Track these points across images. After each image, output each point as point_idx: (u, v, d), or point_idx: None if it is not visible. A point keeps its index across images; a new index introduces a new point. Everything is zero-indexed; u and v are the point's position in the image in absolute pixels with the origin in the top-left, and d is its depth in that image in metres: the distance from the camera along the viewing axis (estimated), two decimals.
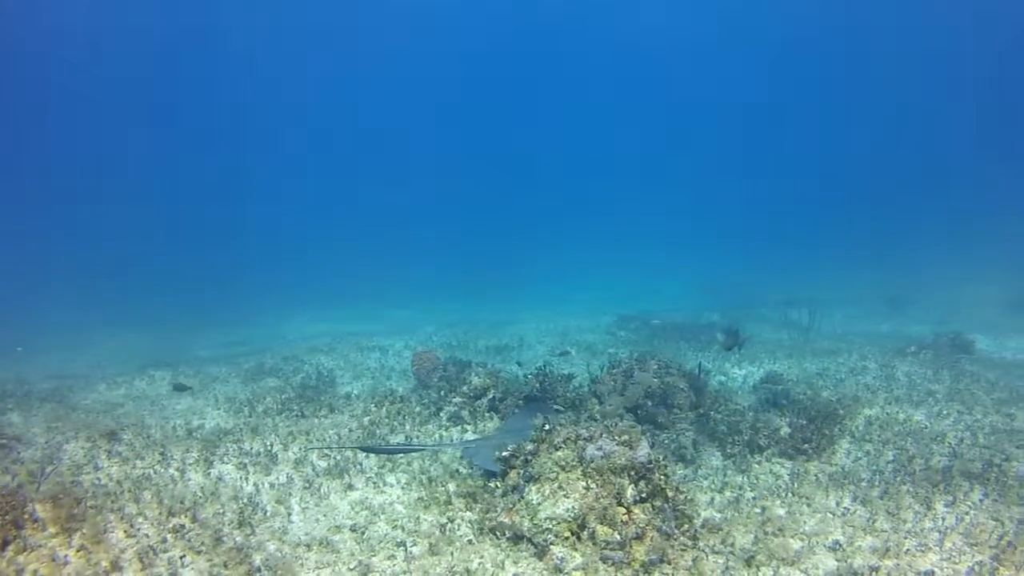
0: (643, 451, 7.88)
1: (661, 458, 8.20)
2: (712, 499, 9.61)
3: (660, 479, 7.90)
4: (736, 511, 9.07)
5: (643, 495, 7.74)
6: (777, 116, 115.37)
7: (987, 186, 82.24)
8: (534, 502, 7.83)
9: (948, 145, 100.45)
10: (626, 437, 8.14)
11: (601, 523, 7.36)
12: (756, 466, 11.04)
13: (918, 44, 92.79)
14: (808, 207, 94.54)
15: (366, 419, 13.72)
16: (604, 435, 8.23)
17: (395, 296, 47.22)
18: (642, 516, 7.56)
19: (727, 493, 9.89)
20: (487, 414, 13.29)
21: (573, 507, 7.50)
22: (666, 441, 11.86)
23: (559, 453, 8.14)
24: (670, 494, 7.99)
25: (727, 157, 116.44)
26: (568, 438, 8.32)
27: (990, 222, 60.01)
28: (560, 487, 7.78)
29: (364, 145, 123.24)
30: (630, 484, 7.73)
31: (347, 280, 56.63)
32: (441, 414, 13.43)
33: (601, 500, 7.48)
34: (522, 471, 8.45)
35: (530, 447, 8.54)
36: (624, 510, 7.53)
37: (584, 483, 7.70)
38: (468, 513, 8.79)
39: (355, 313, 39.23)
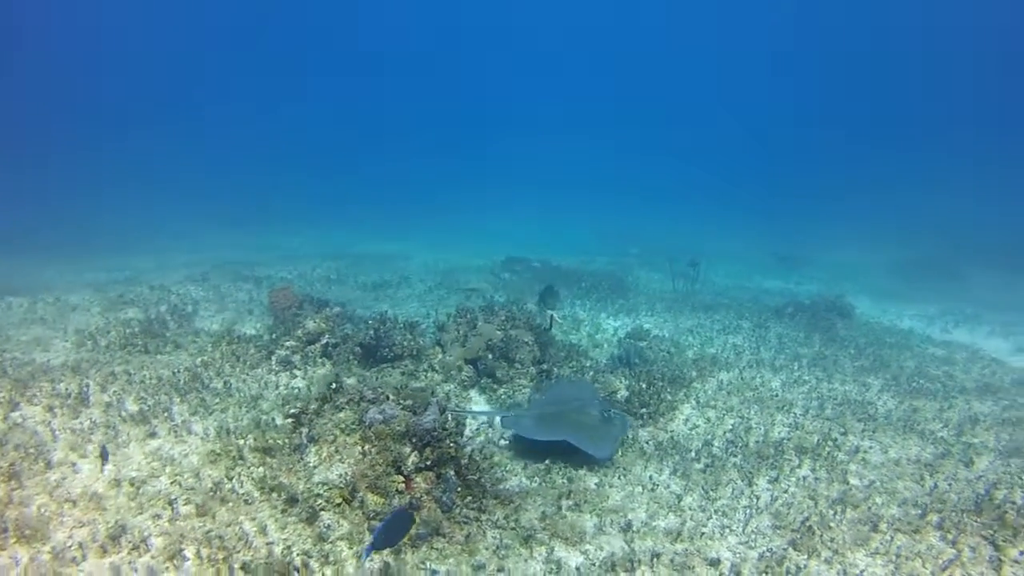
0: (429, 417, 7.42)
1: (453, 424, 7.74)
2: (526, 464, 9.25)
3: (450, 446, 7.47)
4: (545, 480, 8.74)
5: (428, 463, 7.31)
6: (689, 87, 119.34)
7: (884, 157, 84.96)
8: (311, 464, 7.37)
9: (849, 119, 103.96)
10: (411, 401, 7.67)
11: (372, 491, 6.93)
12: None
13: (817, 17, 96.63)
14: (721, 164, 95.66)
15: (199, 359, 13.03)
16: (390, 398, 7.75)
17: (291, 222, 45.86)
18: (423, 485, 7.16)
19: (546, 459, 9.55)
20: (319, 360, 12.70)
21: (346, 472, 7.06)
22: (503, 396, 11.53)
23: (341, 415, 7.68)
24: (463, 462, 7.58)
25: (652, 112, 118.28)
26: (351, 399, 7.84)
27: (882, 193, 61.60)
28: (337, 451, 7.32)
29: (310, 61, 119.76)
30: (413, 451, 7.29)
31: (242, 202, 54.70)
32: (272, 358, 12.80)
33: (376, 467, 7.03)
34: (306, 430, 7.95)
35: (314, 405, 8.03)
36: (402, 478, 7.09)
37: (361, 448, 7.23)
38: (260, 469, 8.26)
39: (243, 240, 37.78)
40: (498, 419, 10.61)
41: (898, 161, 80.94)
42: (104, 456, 8.36)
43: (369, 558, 6.38)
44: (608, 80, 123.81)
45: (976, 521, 8.45)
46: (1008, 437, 11.86)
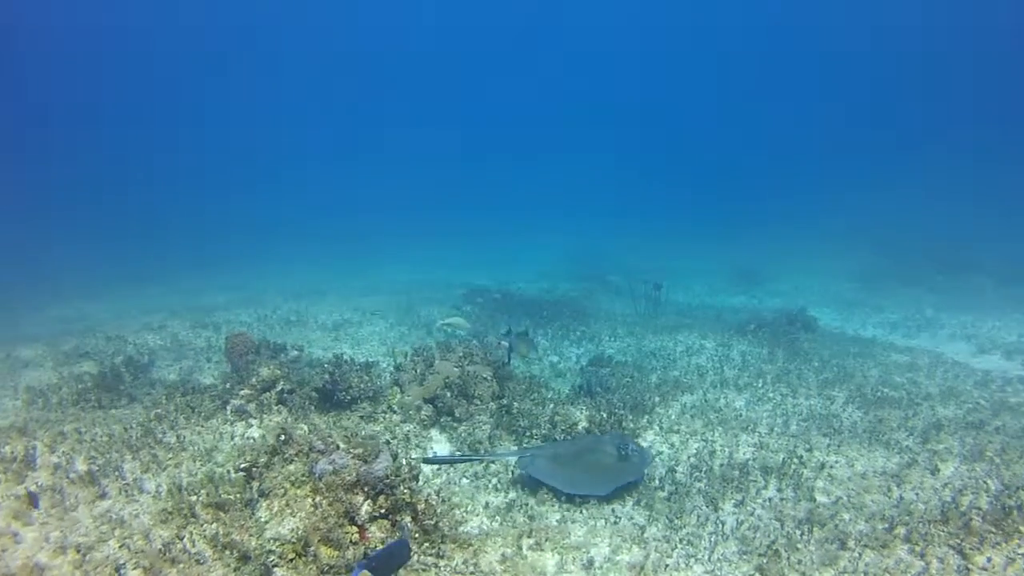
0: (381, 465, 7.27)
1: (407, 470, 7.59)
2: (488, 503, 9.10)
3: (404, 492, 7.32)
4: (506, 519, 8.59)
5: (382, 511, 7.16)
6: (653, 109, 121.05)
7: (841, 167, 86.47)
8: (262, 519, 7.17)
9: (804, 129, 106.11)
10: (361, 450, 7.51)
11: (325, 544, 6.75)
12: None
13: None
14: (681, 184, 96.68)
15: (154, 412, 12.75)
16: (340, 447, 7.59)
17: (253, 261, 45.29)
18: (378, 534, 7.00)
19: (511, 494, 9.43)
20: (275, 407, 12.48)
21: (298, 526, 6.87)
22: (463, 435, 11.40)
23: (291, 467, 7.50)
24: (420, 507, 7.43)
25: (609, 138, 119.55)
26: (300, 450, 7.67)
27: (844, 199, 62.46)
28: (288, 504, 7.14)
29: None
30: (366, 500, 7.13)
31: (202, 239, 54.06)
32: (227, 408, 12.56)
33: (328, 519, 6.86)
34: (257, 484, 7.77)
35: (263, 459, 7.85)
36: (356, 529, 6.93)
37: (312, 500, 7.06)
38: (213, 526, 8.03)
39: (206, 281, 37.10)
40: (513, 460, 10.44)
41: (855, 169, 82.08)
42: (34, 502, 8.13)
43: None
44: (573, 96, 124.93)
45: (943, 531, 8.44)
46: (972, 441, 11.91)
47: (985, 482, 10.13)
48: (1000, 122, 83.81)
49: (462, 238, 58.36)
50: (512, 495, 9.42)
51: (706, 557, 7.77)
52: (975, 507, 9.11)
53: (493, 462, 10.60)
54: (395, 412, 12.23)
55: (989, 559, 7.77)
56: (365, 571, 5.91)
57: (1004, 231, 42.44)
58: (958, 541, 8.14)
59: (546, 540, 7.97)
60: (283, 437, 7.95)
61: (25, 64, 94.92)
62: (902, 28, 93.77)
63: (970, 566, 7.66)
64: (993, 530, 8.41)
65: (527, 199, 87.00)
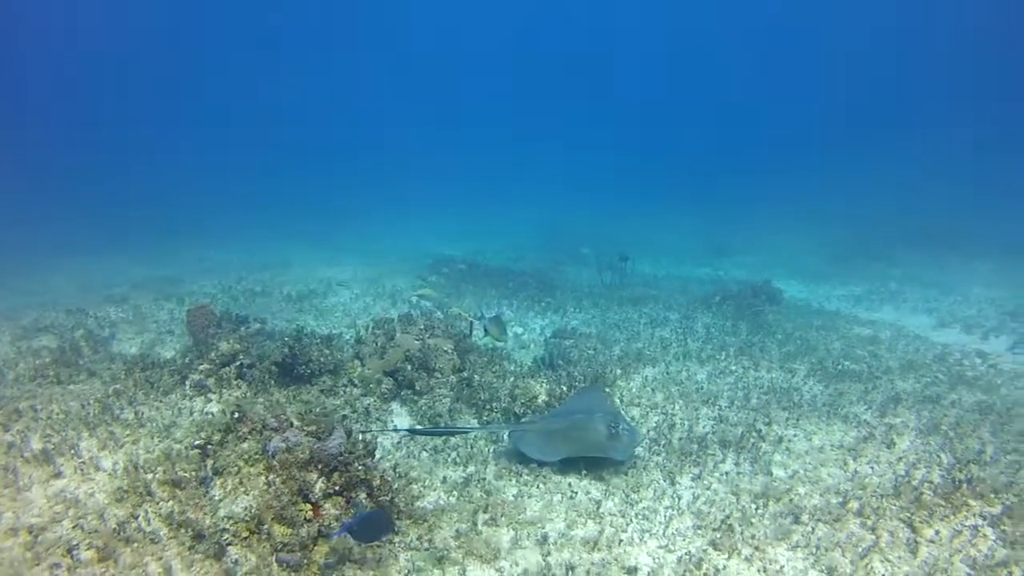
0: (335, 442, 7.25)
1: (362, 446, 7.58)
2: (445, 477, 9.11)
3: (359, 469, 7.31)
4: (463, 494, 8.61)
5: (336, 488, 7.14)
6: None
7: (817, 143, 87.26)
8: (216, 498, 7.14)
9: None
10: (315, 427, 7.49)
11: (279, 522, 6.73)
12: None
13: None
14: (661, 160, 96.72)
15: (112, 388, 12.58)
16: (294, 424, 7.57)
17: (221, 232, 44.63)
18: (332, 511, 6.99)
19: (469, 468, 9.44)
20: (235, 382, 12.38)
21: (252, 504, 6.84)
22: (423, 408, 11.40)
23: (244, 445, 7.46)
24: (376, 483, 7.43)
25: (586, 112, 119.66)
26: (254, 428, 7.63)
27: (812, 176, 63.04)
28: (241, 482, 7.11)
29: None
30: (320, 478, 7.12)
31: (171, 210, 53.27)
32: (186, 383, 12.44)
33: (282, 497, 6.83)
34: (211, 462, 7.73)
35: (217, 436, 7.81)
36: (310, 507, 6.92)
37: (266, 478, 7.04)
38: (169, 504, 7.98)
39: (174, 252, 36.38)
40: (506, 434, 10.47)
41: (826, 145, 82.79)
42: None
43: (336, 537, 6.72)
44: (548, 73, 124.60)
45: (895, 505, 8.60)
46: (928, 415, 12.11)
47: (938, 456, 10.32)
48: (974, 102, 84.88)
49: (441, 211, 58.00)
50: (471, 468, 9.43)
51: (661, 532, 7.84)
52: (927, 481, 9.29)
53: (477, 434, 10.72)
54: (355, 385, 12.19)
55: (937, 532, 7.94)
56: (346, 533, 6.37)
57: (972, 208, 43.13)
58: (908, 515, 8.29)
59: (502, 515, 8.00)
60: (236, 415, 7.90)
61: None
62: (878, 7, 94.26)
63: (919, 539, 7.81)
64: (943, 503, 8.59)
65: (504, 172, 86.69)
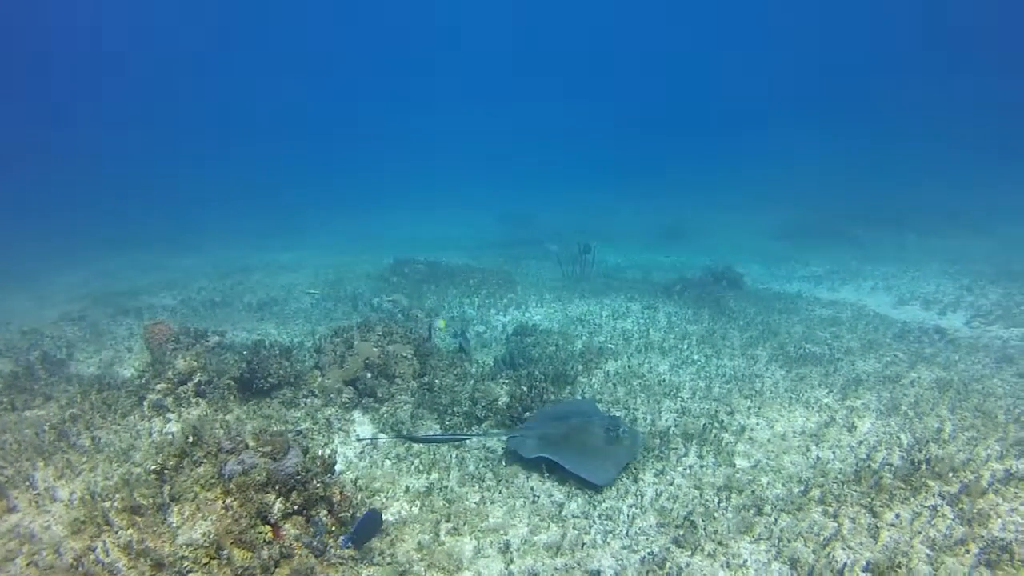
0: (291, 461, 7.22)
1: (319, 463, 7.55)
2: (408, 487, 9.09)
3: (318, 487, 7.28)
4: (426, 504, 8.60)
5: (295, 507, 7.12)
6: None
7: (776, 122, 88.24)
8: (174, 525, 7.08)
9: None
10: (271, 447, 7.44)
11: (239, 546, 6.69)
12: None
13: None
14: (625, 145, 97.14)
15: (68, 412, 12.37)
16: (249, 445, 7.52)
17: (179, 239, 43.85)
18: (292, 531, 6.96)
19: (433, 475, 9.42)
20: (194, 400, 12.25)
21: (210, 530, 6.80)
22: (385, 416, 11.38)
23: (200, 469, 7.40)
24: (336, 499, 7.41)
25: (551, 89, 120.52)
26: (209, 452, 7.57)
27: (774, 159, 63.72)
28: (199, 508, 7.05)
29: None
30: (278, 498, 7.08)
31: (125, 220, 52.47)
32: (144, 403, 12.29)
33: (240, 520, 6.79)
34: (168, 488, 7.66)
35: (173, 461, 7.74)
36: (270, 528, 6.89)
37: (223, 502, 6.99)
38: (128, 532, 7.89)
39: (132, 263, 35.62)
40: (504, 439, 10.40)
41: (789, 127, 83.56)
42: None
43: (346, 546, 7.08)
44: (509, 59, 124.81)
45: (856, 490, 8.73)
46: (888, 395, 12.30)
47: (898, 437, 10.47)
48: (927, 81, 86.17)
49: (408, 210, 57.78)
50: (434, 476, 9.41)
51: (624, 531, 7.89)
52: (887, 463, 9.43)
53: (480, 439, 10.70)
54: (316, 396, 12.13)
55: (897, 515, 8.07)
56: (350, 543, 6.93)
57: (930, 186, 43.90)
58: (869, 500, 8.41)
59: (464, 524, 8.01)
60: (191, 439, 7.84)
61: None
62: None
63: (880, 524, 7.93)
64: (902, 486, 8.73)
65: (465, 166, 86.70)
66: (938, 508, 8.25)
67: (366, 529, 7.07)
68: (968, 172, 49.97)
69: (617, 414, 11.39)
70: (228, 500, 7.01)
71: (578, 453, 9.23)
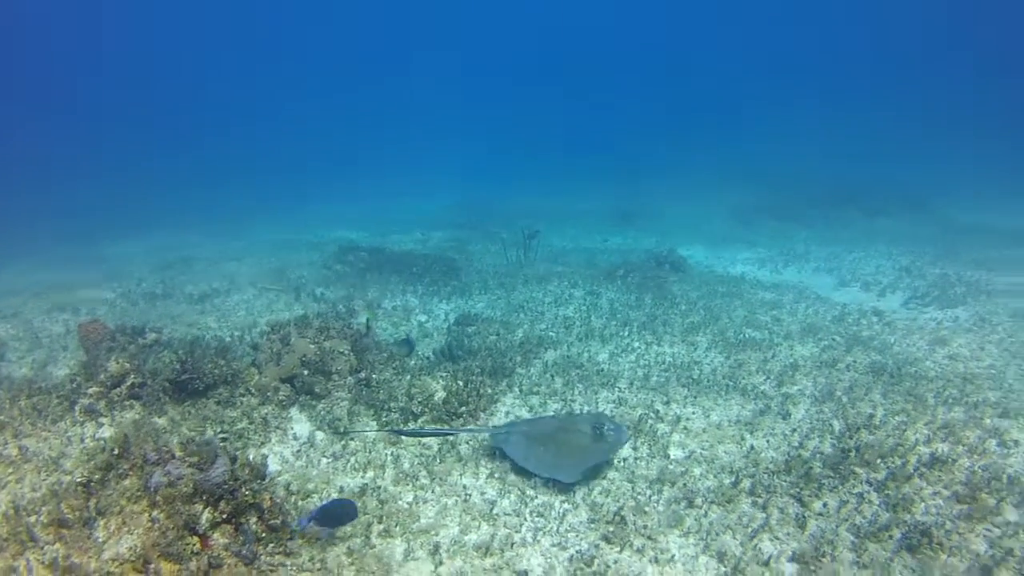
0: (219, 470, 7.22)
1: (247, 471, 7.56)
2: (343, 487, 9.11)
3: (246, 495, 7.29)
4: (360, 504, 8.61)
5: (224, 516, 7.13)
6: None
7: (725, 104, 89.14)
8: (100, 540, 7.06)
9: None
10: (197, 457, 7.44)
11: (166, 559, 6.69)
12: (406, 438, 10.58)
13: None
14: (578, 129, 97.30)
15: None
16: (176, 456, 7.51)
17: (120, 227, 42.99)
18: (222, 541, 6.97)
19: (368, 474, 9.45)
20: (128, 403, 12.12)
21: (137, 544, 6.79)
22: (322, 413, 11.38)
23: (126, 482, 7.38)
24: (266, 506, 7.43)
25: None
26: (135, 464, 7.55)
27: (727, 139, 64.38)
28: (124, 521, 7.04)
29: None
30: (206, 508, 7.08)
31: (66, 206, 51.46)
32: (75, 408, 12.10)
33: (167, 533, 6.79)
34: (94, 501, 7.63)
35: (98, 475, 7.70)
36: (198, 539, 6.89)
37: (149, 515, 6.99)
38: (55, 547, 7.81)
39: (71, 254, 34.82)
40: (487, 435, 10.37)
41: (739, 108, 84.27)
42: None
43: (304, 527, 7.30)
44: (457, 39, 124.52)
45: (785, 480, 8.91)
46: (824, 380, 12.58)
47: (830, 424, 10.70)
48: (881, 58, 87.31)
49: (358, 197, 57.41)
50: (369, 475, 9.43)
51: (555, 528, 7.98)
52: (819, 451, 9.65)
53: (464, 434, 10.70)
54: (253, 395, 12.09)
55: (825, 504, 8.29)
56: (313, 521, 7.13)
57: (877, 166, 44.60)
58: (798, 489, 8.60)
59: (396, 525, 8.04)
60: (116, 451, 7.80)
61: None
62: None
63: (807, 513, 8.14)
64: (831, 474, 8.95)
65: (418, 152, 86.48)
66: (865, 495, 8.49)
67: (333, 513, 7.26)
68: (927, 151, 50.92)
69: (606, 411, 11.53)
70: (154, 512, 7.00)
71: (555, 452, 9.26)
